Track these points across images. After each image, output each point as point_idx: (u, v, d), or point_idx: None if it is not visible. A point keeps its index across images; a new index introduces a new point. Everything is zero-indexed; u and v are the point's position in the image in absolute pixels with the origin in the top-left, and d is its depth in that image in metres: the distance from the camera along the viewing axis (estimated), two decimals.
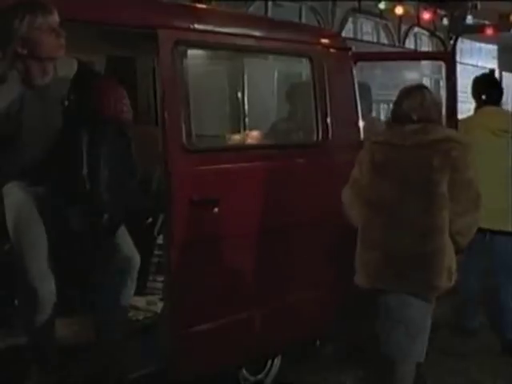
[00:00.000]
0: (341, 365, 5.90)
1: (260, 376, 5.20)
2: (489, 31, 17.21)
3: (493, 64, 23.88)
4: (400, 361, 4.43)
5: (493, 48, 23.52)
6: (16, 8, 3.40)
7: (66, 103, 3.51)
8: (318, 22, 15.10)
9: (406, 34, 18.02)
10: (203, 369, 4.56)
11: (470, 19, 18.24)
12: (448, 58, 6.07)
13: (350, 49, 5.83)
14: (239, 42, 4.76)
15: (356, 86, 5.72)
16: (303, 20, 14.60)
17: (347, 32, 15.80)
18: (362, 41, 15.90)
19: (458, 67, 20.43)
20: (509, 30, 20.82)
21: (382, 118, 16.70)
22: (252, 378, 5.13)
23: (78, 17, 3.75)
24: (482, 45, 22.65)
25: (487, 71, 22.68)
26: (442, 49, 20.06)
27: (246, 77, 5.38)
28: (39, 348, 3.85)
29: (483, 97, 6.25)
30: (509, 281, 6.10)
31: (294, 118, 5.61)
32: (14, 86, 3.48)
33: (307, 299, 5.18)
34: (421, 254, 4.22)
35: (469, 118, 6.39)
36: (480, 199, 4.30)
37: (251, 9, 12.80)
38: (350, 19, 16.38)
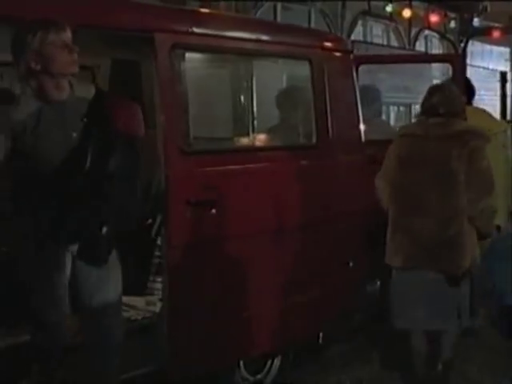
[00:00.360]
0: (341, 365, 5.94)
1: (259, 376, 5.23)
2: (496, 34, 17.22)
3: (505, 66, 23.83)
4: (441, 332, 4.97)
5: (505, 50, 23.50)
6: (29, 25, 3.50)
7: (85, 121, 3.58)
8: (328, 25, 15.12)
9: (417, 37, 18.01)
10: (202, 369, 4.61)
11: (476, 21, 18.23)
12: (455, 60, 6.11)
13: (352, 52, 5.89)
14: (237, 45, 4.81)
15: (357, 88, 5.78)
16: (312, 23, 14.61)
17: (356, 35, 15.80)
18: (371, 43, 15.90)
19: (469, 70, 20.44)
20: None
21: (392, 120, 16.74)
22: (251, 378, 5.15)
23: (75, 20, 3.79)
24: (494, 47, 22.63)
25: (498, 74, 22.74)
26: (452, 51, 20.07)
27: (245, 80, 5.41)
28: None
29: None
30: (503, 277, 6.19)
31: (293, 120, 5.64)
32: (30, 101, 3.54)
33: (305, 300, 5.21)
34: (445, 237, 4.67)
35: None
36: (493, 187, 4.71)
37: (260, 12, 12.84)
38: (360, 22, 16.38)
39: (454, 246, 4.67)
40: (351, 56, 5.82)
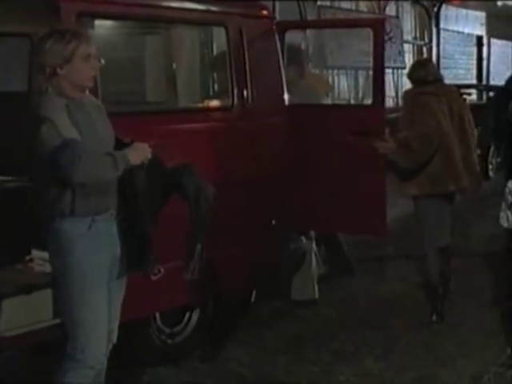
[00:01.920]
0: (266, 322, 6.22)
1: (177, 328, 5.43)
2: None
3: (480, 31, 23.93)
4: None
5: (481, 14, 23.51)
6: (63, 33, 3.71)
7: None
8: None
9: (387, 1, 18.03)
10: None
11: None
12: (376, 26, 6.06)
13: (274, 18, 6.08)
14: (149, 12, 4.99)
15: (279, 53, 5.96)
16: None
17: None
18: (338, 8, 15.95)
19: (443, 34, 20.39)
20: None
21: (361, 83, 16.86)
22: (168, 331, 5.35)
23: None
24: (469, 11, 22.66)
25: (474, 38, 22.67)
26: (424, 16, 20.18)
27: (159, 45, 5.61)
28: None
29: None
30: None
31: (211, 83, 5.86)
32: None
33: (227, 257, 5.43)
34: (467, 166, 6.19)
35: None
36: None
37: None
38: None
39: (473, 171, 6.25)
40: (273, 22, 6.01)
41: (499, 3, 21.15)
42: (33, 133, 3.60)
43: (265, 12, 6.02)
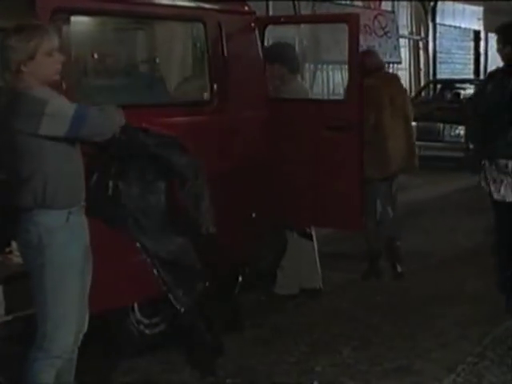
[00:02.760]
0: (249, 313, 6.26)
1: (155, 319, 5.48)
2: None
3: (477, 25, 23.90)
4: None
5: (478, 9, 23.49)
6: (24, 29, 3.78)
7: None
8: None
9: None
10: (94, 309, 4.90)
11: None
12: (352, 21, 6.06)
13: (254, 13, 6.15)
14: (126, 8, 5.05)
15: (260, 47, 6.04)
16: None
17: None
18: (333, 2, 15.96)
19: (440, 28, 20.29)
20: None
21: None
22: (146, 321, 5.41)
23: None
24: (466, 6, 22.65)
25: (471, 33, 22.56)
26: (421, 10, 20.20)
27: (137, 40, 5.68)
28: None
29: None
30: None
31: (190, 78, 5.93)
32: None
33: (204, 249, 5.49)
34: (404, 151, 7.03)
35: None
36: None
37: None
38: None
39: (411, 154, 7.05)
40: (253, 17, 6.07)
41: None
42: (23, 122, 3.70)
43: (244, 8, 6.08)
